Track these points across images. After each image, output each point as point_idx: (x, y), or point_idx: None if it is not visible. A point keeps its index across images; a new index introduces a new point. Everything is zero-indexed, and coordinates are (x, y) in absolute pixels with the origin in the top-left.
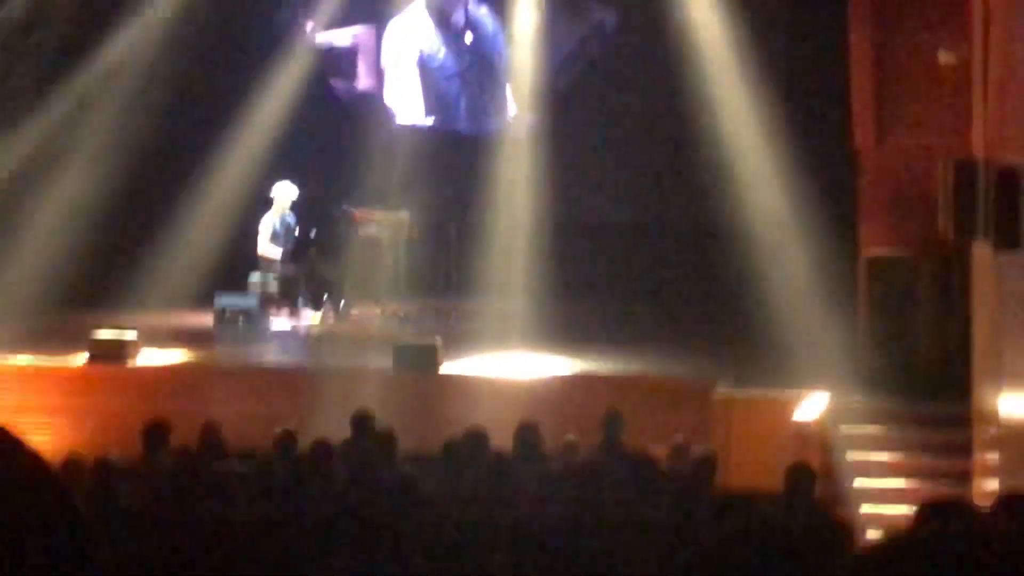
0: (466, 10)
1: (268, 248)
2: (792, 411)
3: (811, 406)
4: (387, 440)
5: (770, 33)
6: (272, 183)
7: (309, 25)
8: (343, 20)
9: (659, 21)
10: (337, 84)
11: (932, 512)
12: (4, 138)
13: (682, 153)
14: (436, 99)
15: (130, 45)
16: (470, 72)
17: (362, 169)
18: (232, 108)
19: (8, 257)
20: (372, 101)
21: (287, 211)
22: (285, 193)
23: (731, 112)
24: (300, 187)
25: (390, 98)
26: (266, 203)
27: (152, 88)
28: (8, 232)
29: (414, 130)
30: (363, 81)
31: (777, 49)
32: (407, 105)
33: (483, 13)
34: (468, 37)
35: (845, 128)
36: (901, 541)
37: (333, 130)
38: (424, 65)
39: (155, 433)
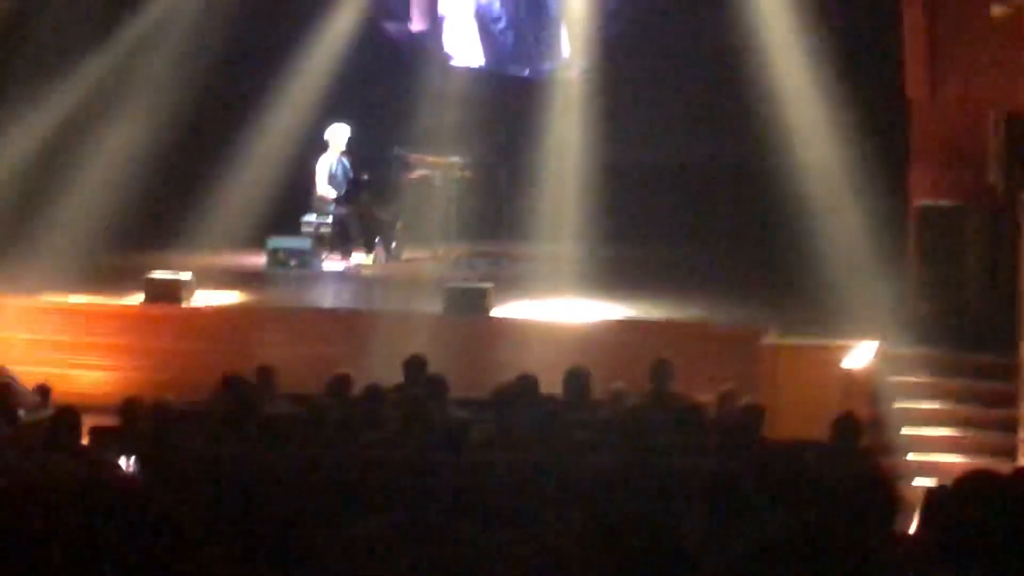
0: None
1: (326, 189)
2: (840, 359)
3: (859, 355)
4: (438, 384)
5: None
6: (326, 126)
7: None
8: None
9: None
10: (390, 27)
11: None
12: (61, 82)
13: (734, 100)
14: (490, 44)
15: None
16: (523, 16)
17: (415, 112)
18: (286, 51)
19: (65, 199)
20: (425, 44)
21: (341, 153)
22: (339, 135)
23: (783, 60)
24: (353, 130)
25: (448, 43)
26: (320, 146)
27: (206, 31)
28: (65, 174)
29: (467, 73)
30: (416, 24)
31: None
32: (463, 49)
33: None
34: None
35: (897, 78)
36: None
37: (386, 73)
38: (479, 10)
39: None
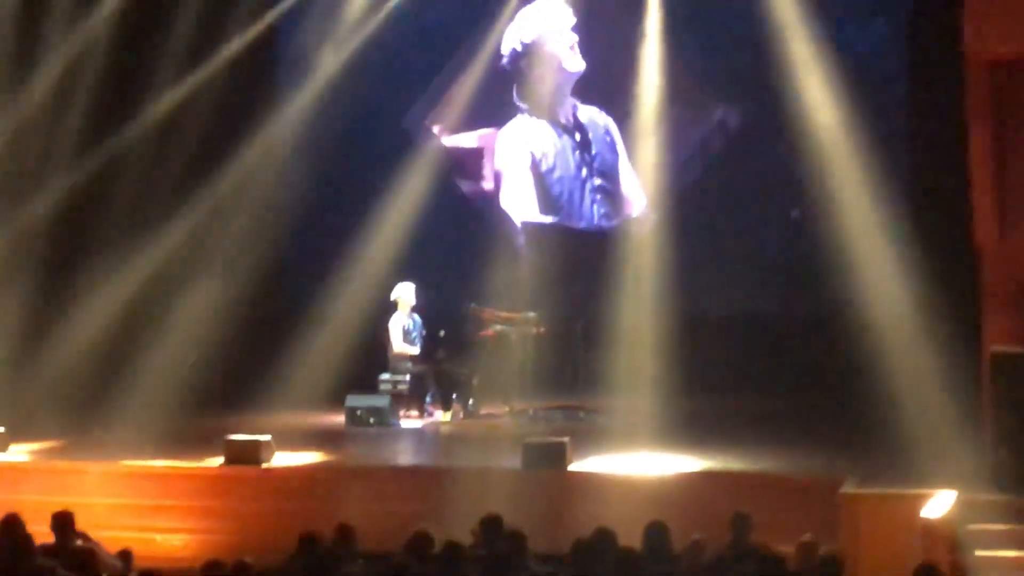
0: (573, 112)
1: (403, 346)
2: (920, 509)
3: (939, 503)
4: (518, 540)
5: (891, 130)
6: (397, 284)
7: (436, 128)
8: (468, 123)
9: (780, 117)
10: (463, 185)
11: None
12: (141, 247)
13: (805, 249)
14: (551, 201)
15: (263, 150)
16: (581, 172)
17: (489, 268)
18: (361, 211)
19: (145, 361)
20: (498, 201)
21: (412, 309)
22: (406, 293)
23: (853, 208)
24: (427, 287)
25: (507, 199)
26: (393, 304)
27: (284, 192)
28: (145, 339)
29: (538, 228)
30: (488, 182)
31: (898, 145)
32: (525, 205)
33: (592, 113)
34: (576, 137)
35: (966, 224)
36: None
37: (460, 230)
38: (537, 169)
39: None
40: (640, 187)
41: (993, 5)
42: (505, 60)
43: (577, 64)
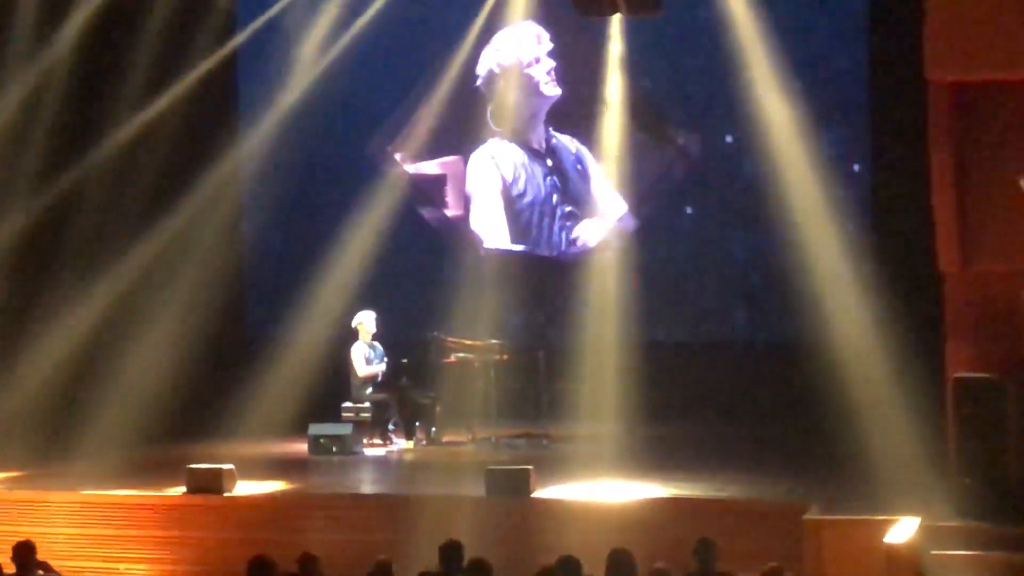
0: (546, 137)
1: (367, 369)
2: (884, 535)
3: (902, 529)
4: (481, 568)
5: (853, 155)
6: (358, 311)
7: (398, 155)
8: (431, 150)
9: (743, 145)
10: (425, 212)
11: None
12: (100, 277)
13: (768, 276)
14: (520, 225)
15: (225, 178)
16: (552, 198)
17: (452, 296)
18: (323, 238)
19: (106, 391)
20: (460, 229)
21: (372, 337)
22: (367, 321)
23: (815, 234)
24: (390, 314)
25: (476, 224)
26: (354, 333)
27: (246, 219)
28: (106, 366)
29: (501, 255)
30: (452, 209)
31: (860, 171)
32: (493, 231)
33: (564, 140)
34: (548, 163)
35: (929, 250)
36: None
37: (423, 257)
38: (507, 193)
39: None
40: (609, 212)
41: (955, 30)
42: (480, 81)
43: (553, 90)
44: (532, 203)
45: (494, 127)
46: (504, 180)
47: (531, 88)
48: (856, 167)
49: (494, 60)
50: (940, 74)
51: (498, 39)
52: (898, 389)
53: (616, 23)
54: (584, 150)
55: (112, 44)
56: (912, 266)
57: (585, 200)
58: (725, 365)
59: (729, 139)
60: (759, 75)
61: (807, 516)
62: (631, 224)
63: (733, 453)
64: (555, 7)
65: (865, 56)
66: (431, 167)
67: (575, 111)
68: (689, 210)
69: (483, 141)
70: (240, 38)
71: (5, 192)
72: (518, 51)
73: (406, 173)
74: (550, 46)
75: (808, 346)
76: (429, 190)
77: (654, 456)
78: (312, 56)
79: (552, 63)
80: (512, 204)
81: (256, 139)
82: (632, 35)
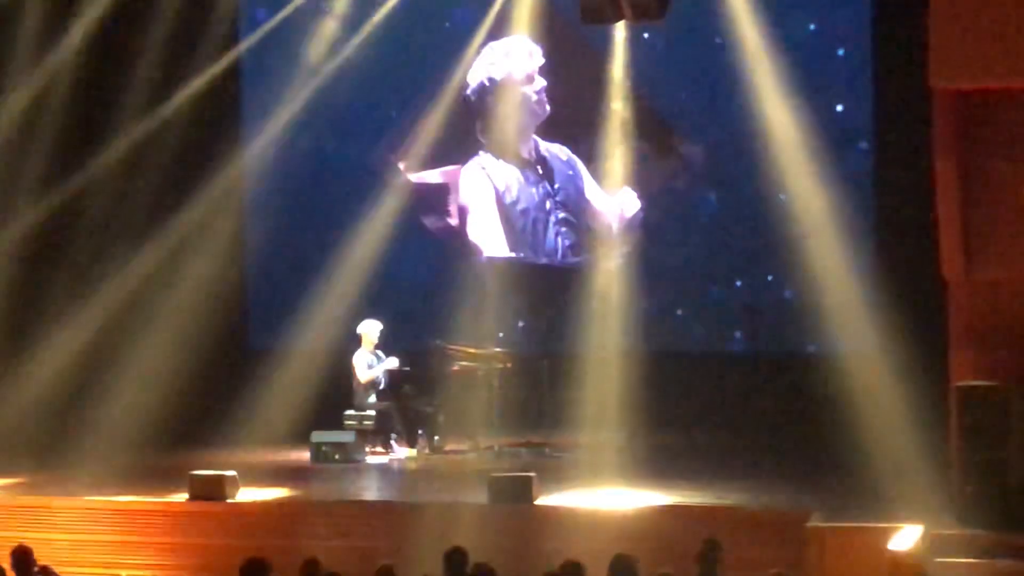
0: (535, 147)
1: (368, 373)
2: (887, 542)
3: (905, 537)
4: (486, 574)
5: (858, 164)
6: (364, 319)
7: (401, 164)
8: (433, 159)
9: (746, 153)
10: (428, 220)
11: None
12: (103, 284)
13: (772, 284)
14: (516, 233)
15: (228, 187)
16: (545, 205)
17: (455, 304)
18: (327, 246)
19: (109, 396)
20: (463, 237)
21: (375, 348)
22: (372, 330)
23: (820, 242)
24: (393, 323)
25: (473, 234)
26: (357, 340)
27: (249, 227)
28: (109, 372)
29: (503, 263)
30: (454, 218)
31: (864, 180)
32: (491, 241)
33: (554, 148)
34: (539, 171)
35: (933, 258)
36: None
37: (426, 266)
38: (501, 202)
39: (254, 572)
40: (607, 220)
41: (959, 39)
42: (470, 92)
43: (543, 109)
44: (526, 211)
45: (482, 140)
46: (497, 190)
47: (522, 105)
48: (860, 175)
49: (485, 73)
50: (945, 83)
51: (491, 52)
52: (902, 397)
53: (619, 31)
54: (575, 158)
55: (116, 51)
56: (916, 274)
57: (579, 206)
58: (728, 373)
59: (732, 149)
60: (763, 85)
61: (810, 524)
62: (636, 229)
63: (736, 461)
64: (556, 17)
65: (870, 65)
66: (434, 176)
67: (576, 121)
68: (692, 219)
69: (478, 152)
70: (244, 46)
71: (9, 198)
72: (510, 67)
73: (409, 182)
74: (542, 62)
75: (811, 354)
76: (432, 199)
77: (657, 464)
78: (316, 64)
79: (543, 82)
80: (507, 213)
81: (259, 147)
82: (635, 44)
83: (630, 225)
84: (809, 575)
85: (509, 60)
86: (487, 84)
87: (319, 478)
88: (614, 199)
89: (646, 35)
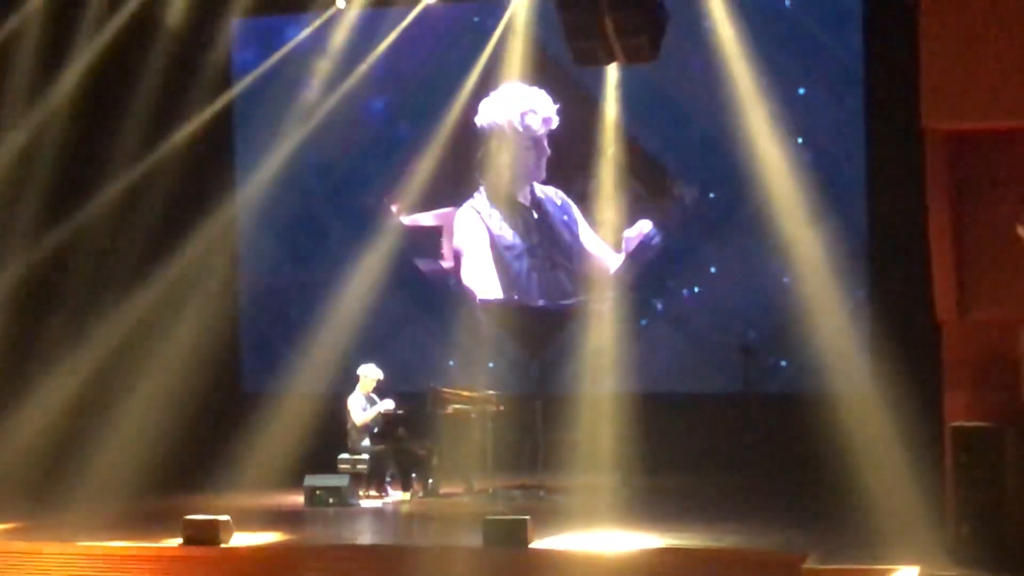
0: (531, 191)
1: (364, 416)
2: None
3: None
4: None
5: (851, 204)
6: (359, 363)
7: (395, 207)
8: (427, 202)
9: (739, 194)
10: (422, 263)
11: None
12: (102, 321)
13: (765, 326)
14: (510, 277)
15: (221, 229)
16: (539, 249)
17: (448, 347)
18: (320, 289)
19: (103, 441)
20: (456, 280)
21: (371, 392)
22: (370, 375)
23: (814, 287)
24: (386, 365)
25: (467, 277)
26: (354, 381)
27: (242, 270)
28: (102, 416)
29: (496, 306)
30: (448, 261)
31: (858, 220)
32: (485, 284)
33: (548, 192)
34: (534, 215)
35: (927, 299)
36: None
37: (419, 308)
38: (495, 245)
39: None
40: (600, 263)
41: (951, 80)
42: (481, 127)
43: (544, 154)
44: (520, 256)
45: (480, 181)
46: (491, 233)
47: (526, 150)
48: (853, 214)
49: (492, 116)
50: (937, 123)
51: (502, 95)
52: (896, 437)
53: (611, 74)
54: (569, 201)
55: (109, 96)
56: (910, 315)
57: (573, 249)
58: (723, 415)
59: (726, 190)
60: (755, 125)
61: (806, 566)
62: (627, 274)
63: (731, 503)
64: (549, 60)
65: (862, 106)
66: (427, 219)
67: (569, 163)
68: (686, 262)
69: (472, 195)
70: (236, 90)
71: (2, 243)
72: (519, 110)
73: (402, 225)
74: (552, 114)
75: (806, 396)
76: (425, 242)
77: (651, 506)
78: (308, 108)
79: (546, 130)
80: (501, 256)
81: (252, 190)
82: (627, 86)
83: (642, 249)
84: None
85: (517, 107)
86: (487, 128)
87: (313, 522)
88: (617, 237)
89: (637, 76)
